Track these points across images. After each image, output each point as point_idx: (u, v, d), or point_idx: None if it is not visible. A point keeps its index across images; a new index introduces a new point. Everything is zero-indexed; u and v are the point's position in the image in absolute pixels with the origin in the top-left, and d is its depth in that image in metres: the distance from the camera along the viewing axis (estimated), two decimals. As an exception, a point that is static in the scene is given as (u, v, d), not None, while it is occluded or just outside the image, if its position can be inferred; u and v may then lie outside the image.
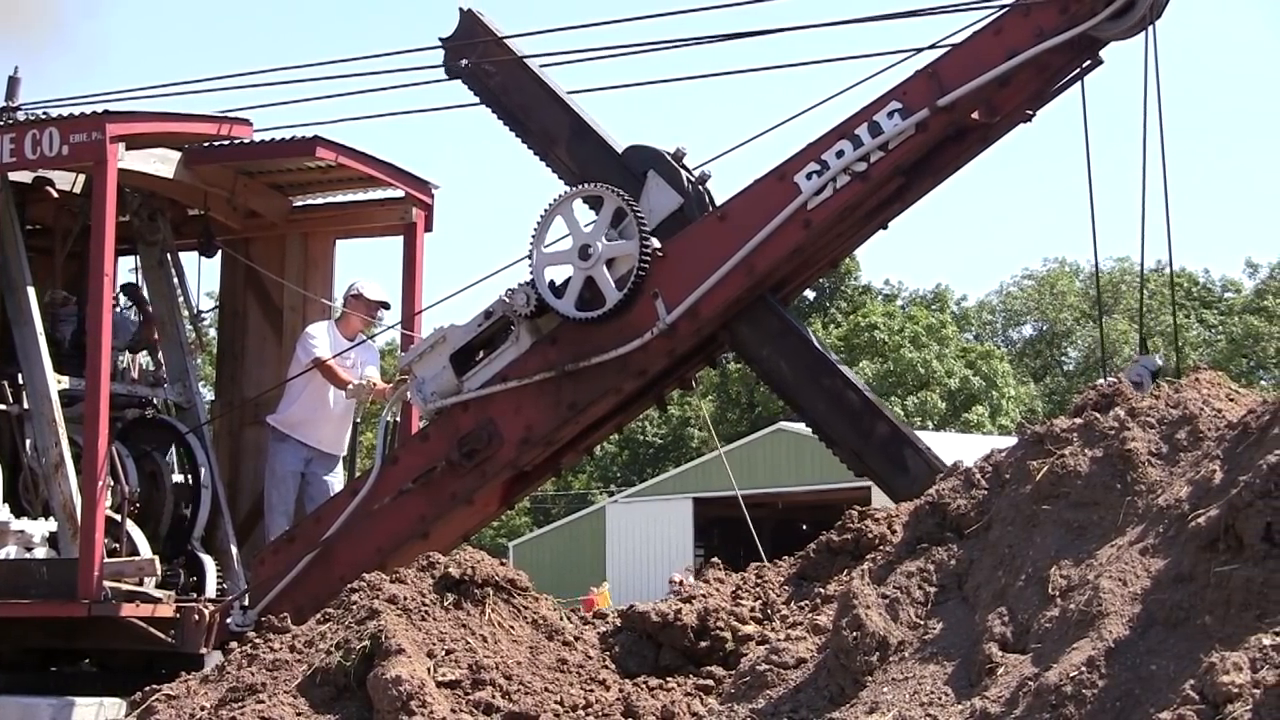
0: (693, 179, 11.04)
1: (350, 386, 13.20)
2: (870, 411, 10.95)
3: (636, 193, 10.89)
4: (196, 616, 11.91)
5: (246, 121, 13.14)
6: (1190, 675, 5.99)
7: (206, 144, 13.29)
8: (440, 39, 11.65)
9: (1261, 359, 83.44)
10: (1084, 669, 6.38)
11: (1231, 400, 7.88)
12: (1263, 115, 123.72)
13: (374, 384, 13.20)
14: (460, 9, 11.63)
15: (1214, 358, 77.78)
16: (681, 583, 42.58)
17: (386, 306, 14.02)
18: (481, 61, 11.52)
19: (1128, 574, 6.81)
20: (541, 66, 11.55)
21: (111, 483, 12.12)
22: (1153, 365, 9.50)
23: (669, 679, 8.91)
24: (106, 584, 11.74)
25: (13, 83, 13.65)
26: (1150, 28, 9.92)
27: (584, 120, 11.33)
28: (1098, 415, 7.80)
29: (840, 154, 10.37)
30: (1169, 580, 6.61)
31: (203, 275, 14.68)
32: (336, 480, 13.70)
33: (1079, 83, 10.47)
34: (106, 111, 12.23)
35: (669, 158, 11.06)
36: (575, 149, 11.26)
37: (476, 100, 11.62)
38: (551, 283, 10.93)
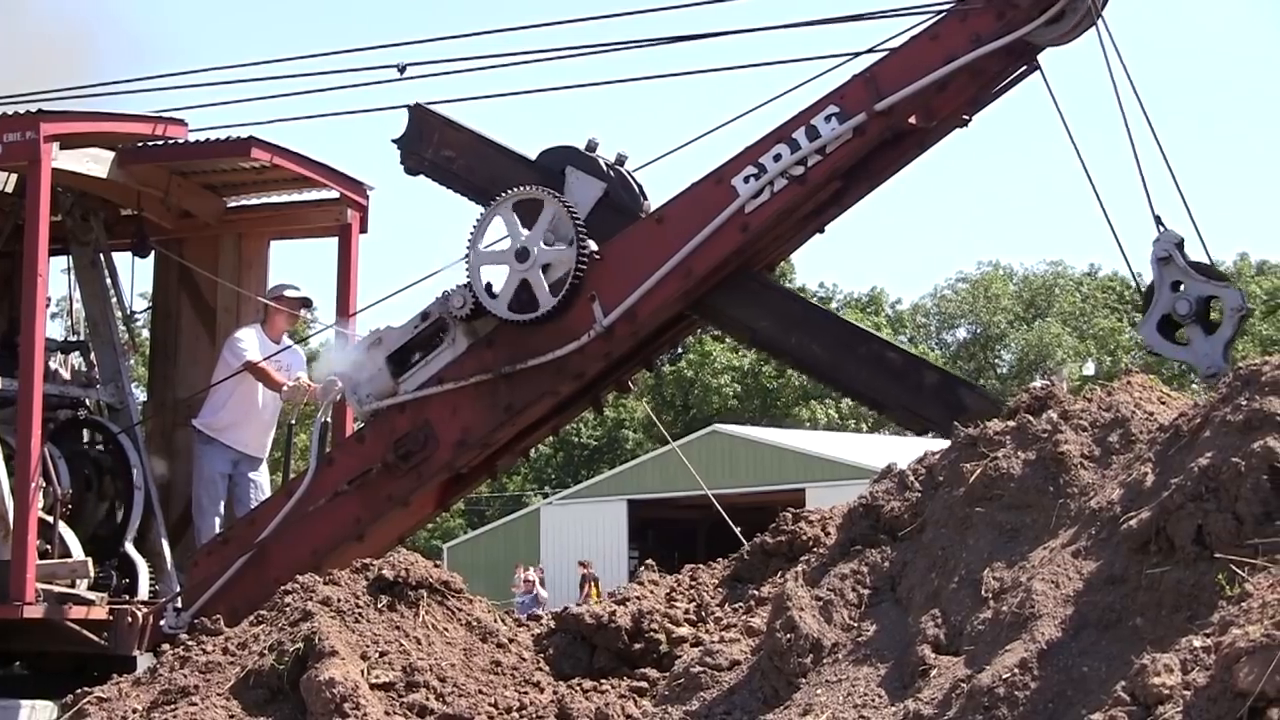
0: (609, 163, 11.04)
1: (285, 388, 13.19)
2: (914, 365, 11.00)
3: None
4: (129, 619, 11.85)
5: (181, 122, 13.08)
6: (1122, 677, 6.04)
7: (141, 144, 13.22)
8: (393, 140, 11.56)
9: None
10: (1016, 670, 6.42)
11: (1163, 403, 7.94)
12: (1199, 121, 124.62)
13: (308, 384, 13.18)
14: (407, 106, 11.52)
15: (1146, 361, 78.26)
16: (531, 583, 43.83)
17: (309, 304, 14.01)
18: (441, 149, 11.44)
19: (1060, 576, 6.85)
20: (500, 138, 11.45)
21: (44, 484, 12.05)
22: (1175, 238, 9.49)
23: (603, 681, 8.92)
24: (39, 586, 11.68)
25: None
26: (1101, 22, 9.92)
27: (552, 172, 11.25)
28: (1030, 418, 7.85)
29: (778, 157, 10.37)
30: (1101, 582, 6.66)
31: (136, 276, 14.60)
32: (263, 480, 13.67)
33: (1050, 89, 10.46)
34: (40, 111, 12.15)
35: (582, 151, 11.06)
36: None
37: (445, 188, 11.49)
38: (488, 285, 10.92)
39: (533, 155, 11.26)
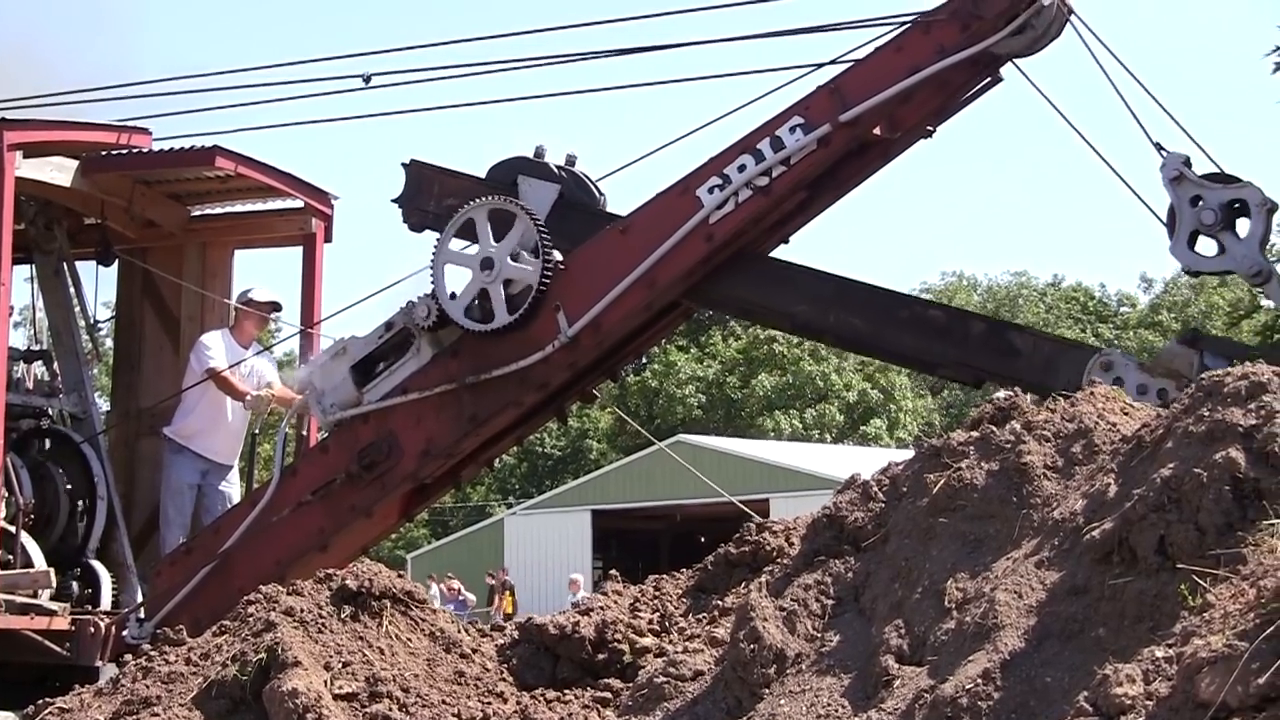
0: (559, 165, 11.03)
1: (249, 397, 13.14)
2: (957, 319, 11.01)
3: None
4: (92, 629, 11.80)
5: (145, 130, 13.08)
6: (1084, 687, 6.04)
7: (105, 153, 13.18)
8: (393, 200, 11.48)
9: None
10: (980, 681, 6.42)
11: (1126, 414, 7.94)
12: (1157, 129, 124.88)
13: (274, 393, 13.14)
14: (403, 164, 11.47)
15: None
16: (458, 591, 45.81)
17: (278, 307, 13.97)
18: (443, 200, 11.36)
19: (1023, 586, 6.86)
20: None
21: (5, 494, 12.00)
22: (1181, 156, 9.50)
23: (567, 691, 8.91)
24: (0, 596, 11.63)
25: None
26: (1085, 22, 9.96)
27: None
28: (994, 429, 7.85)
29: (742, 168, 10.38)
30: (1064, 593, 6.66)
31: (100, 285, 14.56)
32: (233, 489, 13.61)
33: (1036, 85, 10.47)
34: (3, 119, 12.12)
35: (530, 159, 11.05)
36: (560, 229, 11.09)
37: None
38: (453, 295, 10.90)
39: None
